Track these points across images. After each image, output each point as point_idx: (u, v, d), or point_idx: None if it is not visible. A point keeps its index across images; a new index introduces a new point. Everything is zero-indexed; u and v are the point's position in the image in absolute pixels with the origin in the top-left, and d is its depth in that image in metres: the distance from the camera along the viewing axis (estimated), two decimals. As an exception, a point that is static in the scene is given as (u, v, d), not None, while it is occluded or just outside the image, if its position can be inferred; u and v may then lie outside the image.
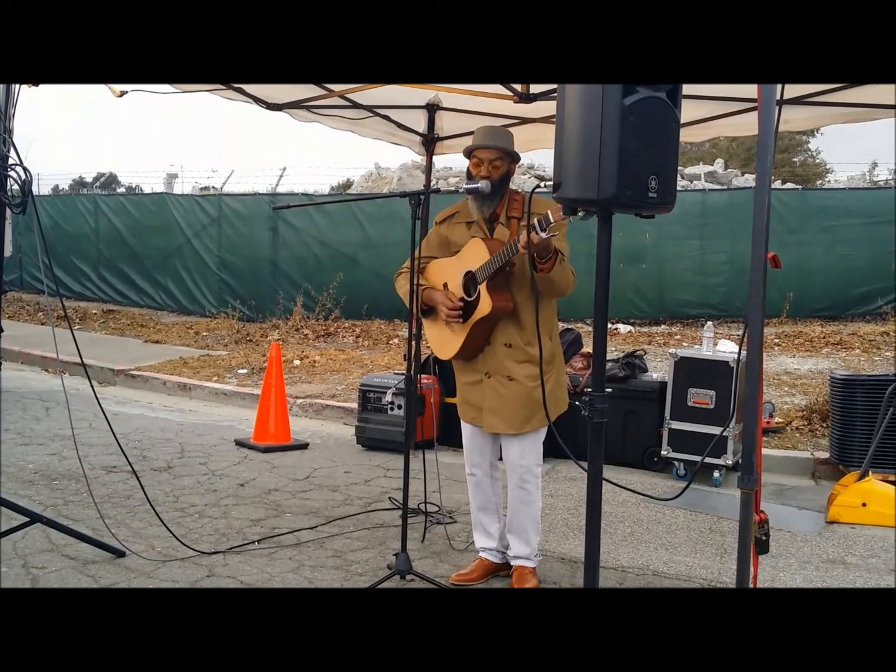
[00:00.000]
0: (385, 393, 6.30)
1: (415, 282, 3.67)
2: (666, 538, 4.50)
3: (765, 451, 6.43)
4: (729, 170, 22.75)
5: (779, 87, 2.18)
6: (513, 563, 3.82)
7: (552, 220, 3.11)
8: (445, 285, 3.71)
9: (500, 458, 3.84)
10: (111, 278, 15.24)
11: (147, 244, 14.55)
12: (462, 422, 3.84)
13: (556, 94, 4.81)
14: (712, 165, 22.99)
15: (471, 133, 6.09)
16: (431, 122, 5.98)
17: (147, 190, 18.12)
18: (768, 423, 6.80)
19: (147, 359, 9.90)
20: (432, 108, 5.90)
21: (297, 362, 9.62)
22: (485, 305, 3.49)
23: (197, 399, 8.42)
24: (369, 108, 5.53)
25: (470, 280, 3.57)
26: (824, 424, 6.91)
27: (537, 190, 2.56)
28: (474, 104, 5.56)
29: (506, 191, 3.65)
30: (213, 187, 19.74)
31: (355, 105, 5.43)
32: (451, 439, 6.47)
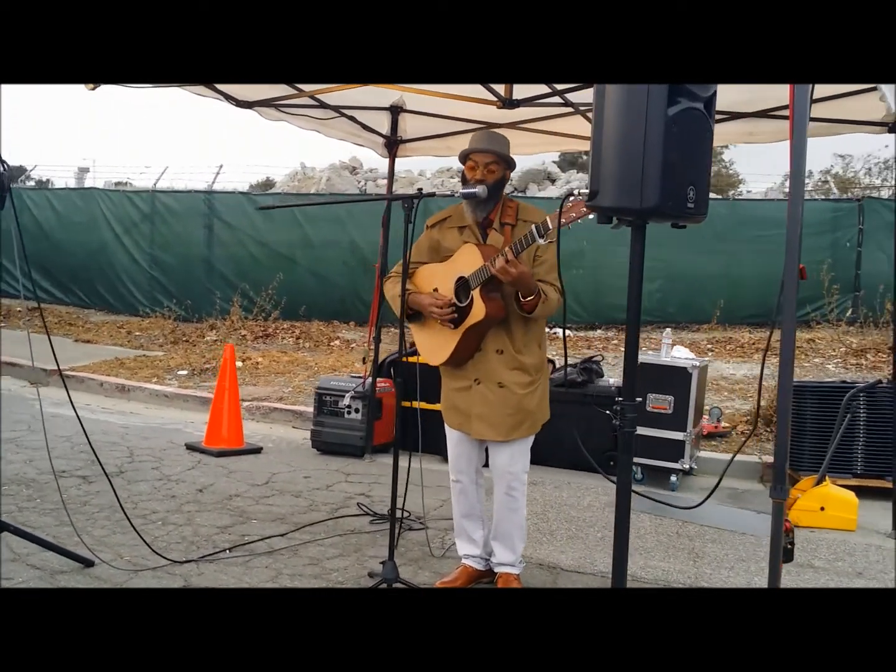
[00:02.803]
0: (343, 396, 6.22)
1: (394, 281, 3.64)
2: (637, 543, 4.54)
3: (714, 454, 6.58)
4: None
5: (809, 90, 2.21)
6: (497, 569, 3.80)
7: (550, 227, 3.13)
8: (436, 290, 3.66)
9: (485, 465, 3.82)
10: (35, 275, 14.69)
11: (73, 240, 14.05)
12: (448, 428, 3.81)
13: (538, 101, 4.84)
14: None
15: (434, 136, 6.13)
16: (395, 125, 5.94)
17: (60, 184, 17.51)
18: (716, 427, 6.95)
19: (80, 359, 9.56)
20: (396, 110, 5.85)
21: (239, 364, 9.42)
22: (478, 311, 3.46)
23: (136, 401, 8.18)
24: (336, 109, 5.46)
25: (462, 286, 3.53)
26: (768, 429, 7.10)
27: (572, 198, 2.53)
28: (437, 107, 5.55)
29: (500, 196, 3.62)
30: (129, 182, 19.18)
31: (323, 105, 5.35)
32: (407, 443, 6.42)
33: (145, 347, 10.74)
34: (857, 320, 12.12)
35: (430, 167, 23.15)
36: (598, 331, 12.56)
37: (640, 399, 5.87)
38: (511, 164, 3.61)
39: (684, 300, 12.72)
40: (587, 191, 2.28)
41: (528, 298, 3.43)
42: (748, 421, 7.29)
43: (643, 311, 10.41)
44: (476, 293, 3.47)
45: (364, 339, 11.55)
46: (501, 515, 3.73)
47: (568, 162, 26.30)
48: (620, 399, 2.37)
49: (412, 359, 6.49)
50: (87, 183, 17.90)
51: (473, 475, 3.80)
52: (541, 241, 3.20)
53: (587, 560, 4.24)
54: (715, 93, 2.26)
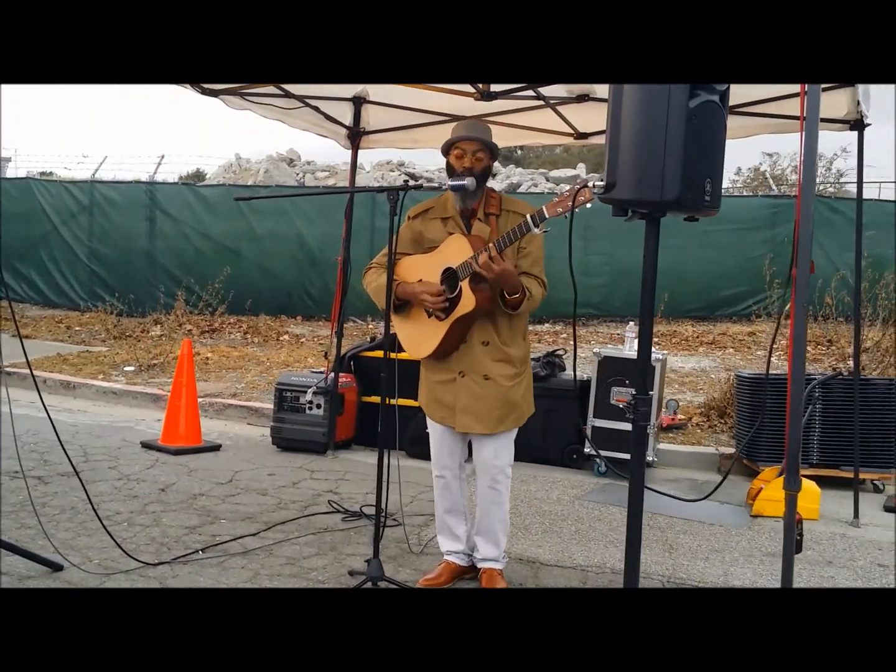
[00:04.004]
0: (304, 392, 6.13)
1: (376, 271, 3.59)
2: (611, 535, 4.56)
3: (672, 447, 6.65)
4: (591, 174, 23.42)
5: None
6: (480, 565, 3.76)
7: (547, 216, 3.10)
8: (420, 282, 3.60)
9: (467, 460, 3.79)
10: (-34, 268, 14.19)
11: (9, 232, 13.57)
12: (430, 422, 3.75)
13: (515, 94, 4.81)
14: (574, 169, 23.66)
15: (397, 129, 6.06)
16: (357, 116, 5.86)
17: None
18: (673, 419, 7.03)
19: (19, 355, 9.20)
20: (358, 101, 5.77)
21: (187, 359, 9.23)
22: (468, 302, 3.41)
23: (83, 398, 7.96)
24: (300, 98, 5.35)
25: (450, 276, 3.48)
26: (722, 420, 7.23)
27: (595, 187, 2.50)
28: (402, 99, 5.49)
29: (485, 186, 3.59)
30: (53, 172, 18.62)
31: (287, 94, 5.25)
32: (368, 439, 6.37)
33: (87, 343, 10.44)
34: (796, 314, 12.41)
35: (370, 160, 22.95)
36: (547, 325, 12.63)
37: (604, 392, 5.96)
38: (495, 153, 3.58)
39: (630, 295, 12.82)
40: (602, 183, 2.26)
41: (514, 296, 3.40)
42: (702, 413, 7.40)
43: (588, 305, 10.48)
44: (465, 284, 3.42)
45: (313, 333, 11.45)
46: (485, 509, 3.69)
47: (503, 157, 26.43)
48: (634, 393, 2.36)
49: (373, 353, 6.45)
50: (10, 173, 17.33)
51: (457, 470, 3.75)
52: (535, 231, 3.18)
53: (565, 554, 4.24)
54: (729, 86, 2.26)
